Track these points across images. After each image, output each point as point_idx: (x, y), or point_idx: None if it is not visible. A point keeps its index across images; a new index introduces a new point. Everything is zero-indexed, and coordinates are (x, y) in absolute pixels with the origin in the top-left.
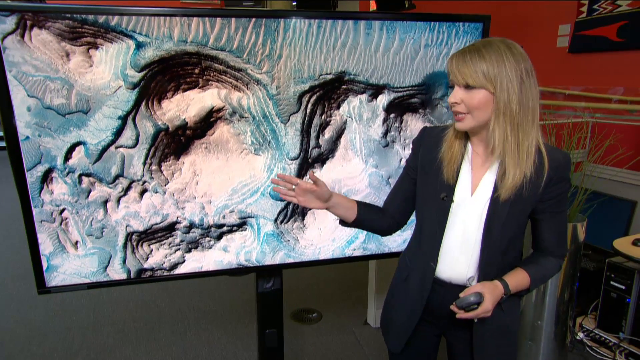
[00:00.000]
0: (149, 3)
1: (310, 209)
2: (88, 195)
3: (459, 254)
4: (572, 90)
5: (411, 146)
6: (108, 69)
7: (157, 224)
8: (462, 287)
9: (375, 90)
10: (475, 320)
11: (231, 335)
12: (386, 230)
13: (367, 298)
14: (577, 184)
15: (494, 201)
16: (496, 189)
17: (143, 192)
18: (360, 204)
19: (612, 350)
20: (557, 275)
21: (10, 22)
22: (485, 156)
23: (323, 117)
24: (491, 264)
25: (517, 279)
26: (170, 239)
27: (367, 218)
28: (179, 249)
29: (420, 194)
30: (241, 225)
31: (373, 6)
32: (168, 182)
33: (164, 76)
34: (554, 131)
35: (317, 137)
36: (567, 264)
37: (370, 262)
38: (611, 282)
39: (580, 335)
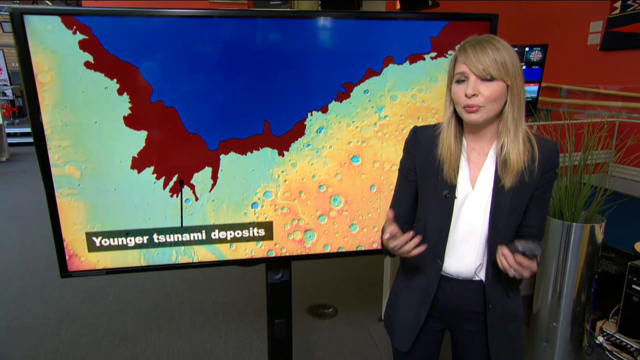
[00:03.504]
0: (179, 4)
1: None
2: (111, 189)
3: (465, 248)
4: (610, 89)
5: (405, 148)
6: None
7: (173, 216)
8: (469, 280)
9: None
10: (489, 306)
11: (247, 327)
12: None
13: (382, 295)
14: (595, 184)
15: (498, 192)
16: (498, 180)
17: (164, 187)
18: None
19: (633, 355)
20: (574, 277)
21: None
22: (480, 149)
23: None
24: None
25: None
26: (184, 230)
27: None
28: (191, 240)
29: (422, 193)
30: (251, 218)
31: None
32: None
33: None
34: (573, 131)
35: None
36: (584, 266)
37: (385, 260)
38: (633, 286)
39: (601, 339)
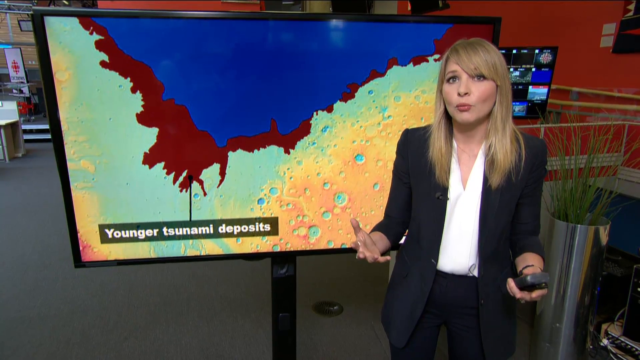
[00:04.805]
0: (192, 5)
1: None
2: (124, 183)
3: (458, 247)
4: (625, 92)
5: (397, 150)
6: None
7: (182, 210)
8: (464, 276)
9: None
10: (482, 302)
11: (254, 322)
12: (402, 235)
13: None
14: (602, 186)
15: (486, 192)
16: (486, 180)
17: (174, 182)
18: (386, 233)
19: (638, 358)
20: (578, 279)
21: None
22: (470, 150)
23: None
24: (489, 250)
25: (540, 263)
26: (192, 224)
27: (396, 238)
28: (199, 234)
29: (415, 194)
30: (257, 213)
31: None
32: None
33: None
34: (580, 133)
35: None
36: (588, 268)
37: (390, 260)
38: (638, 289)
39: (605, 341)
